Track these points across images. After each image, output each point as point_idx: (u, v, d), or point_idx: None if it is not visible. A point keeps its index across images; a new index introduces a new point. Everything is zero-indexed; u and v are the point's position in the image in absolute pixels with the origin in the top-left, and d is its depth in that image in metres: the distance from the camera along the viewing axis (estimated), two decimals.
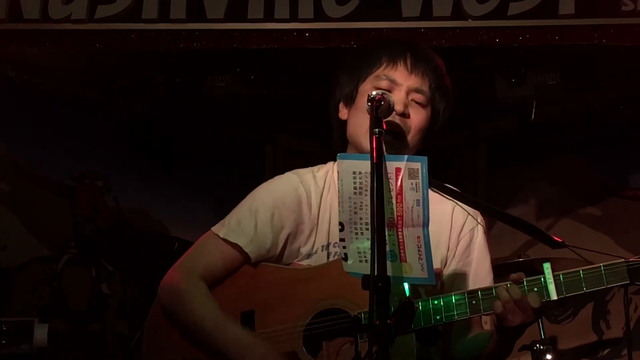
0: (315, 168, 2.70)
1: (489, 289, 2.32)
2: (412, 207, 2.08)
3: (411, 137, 2.53)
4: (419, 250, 2.08)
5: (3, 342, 4.95)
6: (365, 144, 2.45)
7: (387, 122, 2.37)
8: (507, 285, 2.29)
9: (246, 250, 2.54)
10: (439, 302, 2.32)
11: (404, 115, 2.49)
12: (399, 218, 2.08)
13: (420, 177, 2.07)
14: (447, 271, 2.55)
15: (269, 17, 4.93)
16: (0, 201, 6.37)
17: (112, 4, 4.99)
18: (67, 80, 6.43)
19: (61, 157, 6.60)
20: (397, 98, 2.48)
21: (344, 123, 2.63)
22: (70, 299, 6.57)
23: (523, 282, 2.30)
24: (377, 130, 2.11)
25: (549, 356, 4.66)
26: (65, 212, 6.65)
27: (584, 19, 4.83)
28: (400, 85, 2.55)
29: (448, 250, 2.56)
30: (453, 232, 2.57)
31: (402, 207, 2.08)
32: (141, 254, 6.56)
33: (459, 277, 2.55)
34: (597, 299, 6.34)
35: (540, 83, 5.66)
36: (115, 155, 6.77)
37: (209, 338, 2.47)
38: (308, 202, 2.59)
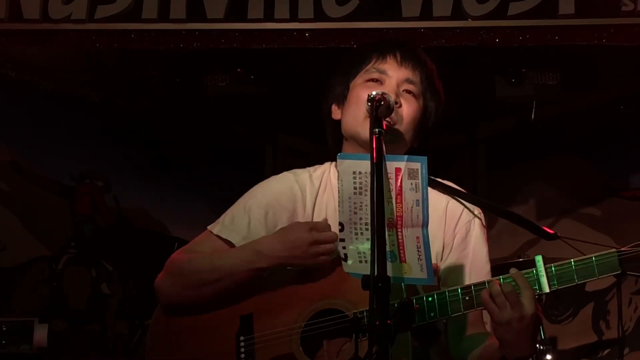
0: (312, 168, 2.70)
1: (482, 284, 2.31)
2: (412, 207, 2.08)
3: (404, 127, 2.52)
4: (418, 251, 2.08)
5: (3, 342, 4.95)
6: (363, 133, 2.44)
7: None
8: (500, 279, 2.29)
9: None
10: (433, 299, 2.31)
11: (396, 104, 2.48)
12: (399, 218, 2.09)
13: (420, 178, 2.07)
14: (443, 265, 2.54)
15: (269, 17, 4.93)
16: (0, 201, 6.37)
17: (112, 4, 4.99)
18: (67, 80, 6.43)
19: (61, 157, 6.60)
20: (388, 89, 2.49)
21: (337, 122, 2.63)
22: (70, 299, 6.57)
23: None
24: (377, 130, 2.11)
25: (549, 356, 4.67)
26: (65, 212, 6.66)
27: (584, 19, 4.84)
28: (390, 76, 2.55)
29: (444, 244, 2.55)
30: (448, 226, 2.57)
31: (401, 207, 2.08)
32: (141, 254, 6.57)
33: (456, 271, 2.54)
34: (597, 298, 6.34)
35: (540, 83, 5.66)
36: (115, 155, 6.78)
37: (223, 268, 2.47)
38: (303, 201, 2.59)
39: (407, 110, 2.53)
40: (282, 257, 2.42)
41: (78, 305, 6.58)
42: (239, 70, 5.66)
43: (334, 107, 2.66)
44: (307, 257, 2.38)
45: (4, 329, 4.99)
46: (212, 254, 2.53)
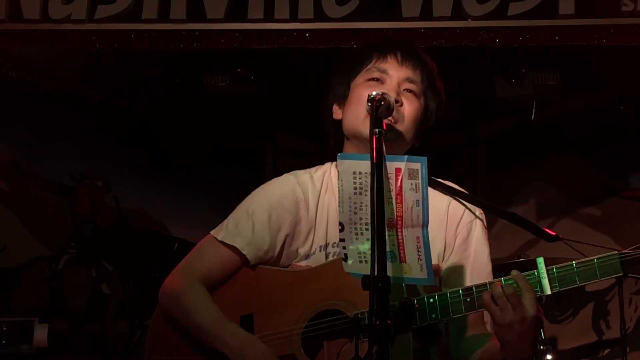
0: (312, 169, 2.70)
1: (483, 285, 2.31)
2: (412, 207, 2.08)
3: (405, 126, 2.52)
4: (418, 251, 2.08)
5: (3, 342, 4.96)
6: (364, 131, 2.44)
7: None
8: (501, 281, 2.29)
9: (244, 253, 2.54)
10: (434, 300, 2.31)
11: (397, 102, 2.48)
12: (399, 218, 2.08)
13: (420, 178, 2.07)
14: (445, 265, 2.54)
15: (269, 17, 4.93)
16: (0, 201, 6.37)
17: (112, 4, 4.99)
18: (67, 80, 6.44)
19: (61, 157, 6.60)
20: (389, 88, 2.48)
21: (339, 122, 2.63)
22: (70, 299, 6.57)
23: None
24: (377, 130, 2.11)
25: (549, 356, 4.67)
26: (65, 212, 6.66)
27: (584, 19, 4.83)
28: (391, 76, 2.55)
29: (445, 245, 2.55)
30: (449, 227, 2.56)
31: (401, 207, 2.08)
32: (141, 254, 6.57)
33: (457, 271, 2.54)
34: (597, 299, 6.34)
35: (540, 83, 5.66)
36: (115, 155, 6.78)
37: (208, 340, 2.48)
38: (305, 203, 2.58)
39: (408, 109, 2.53)
40: None
41: (78, 305, 6.58)
42: (239, 70, 5.67)
43: (335, 107, 2.66)
44: None
45: (4, 329, 5.00)
46: (206, 313, 2.51)
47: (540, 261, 2.30)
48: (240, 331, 2.47)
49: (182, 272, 2.60)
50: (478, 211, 2.61)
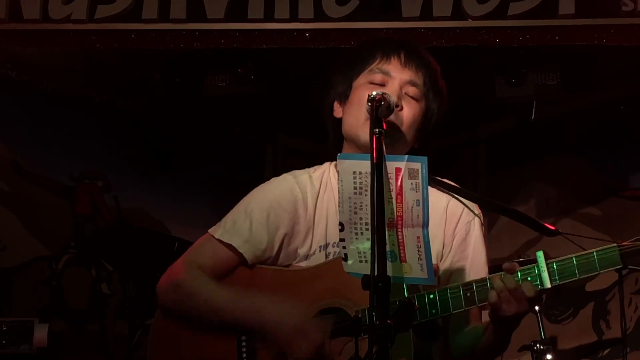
0: (311, 169, 2.70)
1: (483, 280, 2.32)
2: (412, 207, 2.08)
3: (404, 129, 2.52)
4: (418, 251, 2.08)
5: (3, 342, 4.96)
6: (363, 136, 2.45)
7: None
8: (501, 275, 2.30)
9: (240, 251, 2.54)
10: (434, 296, 2.32)
11: (397, 107, 2.48)
12: (399, 218, 2.09)
13: (420, 177, 2.08)
14: (443, 265, 2.55)
15: (269, 17, 4.93)
16: (0, 201, 6.37)
17: (112, 4, 4.99)
18: (67, 80, 6.44)
19: (61, 157, 6.60)
20: (390, 91, 2.48)
21: (338, 121, 2.63)
22: (70, 299, 6.57)
23: (517, 272, 2.30)
24: (377, 130, 2.11)
25: (549, 356, 4.66)
26: (65, 212, 6.66)
27: (584, 19, 4.84)
28: (393, 78, 2.54)
29: (444, 244, 2.56)
30: (448, 226, 2.57)
31: (402, 207, 2.09)
32: (141, 254, 6.57)
33: (456, 271, 2.54)
34: (597, 298, 6.34)
35: (540, 83, 5.66)
36: (115, 155, 6.78)
37: (221, 313, 2.48)
38: (304, 203, 2.59)
39: (408, 113, 2.53)
40: (275, 343, 2.41)
41: (78, 305, 6.58)
42: (239, 70, 5.67)
43: (336, 105, 2.66)
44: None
45: (4, 329, 5.01)
46: (214, 289, 2.52)
47: (540, 255, 2.32)
48: (256, 296, 2.48)
49: (181, 264, 2.60)
50: (476, 209, 2.62)
